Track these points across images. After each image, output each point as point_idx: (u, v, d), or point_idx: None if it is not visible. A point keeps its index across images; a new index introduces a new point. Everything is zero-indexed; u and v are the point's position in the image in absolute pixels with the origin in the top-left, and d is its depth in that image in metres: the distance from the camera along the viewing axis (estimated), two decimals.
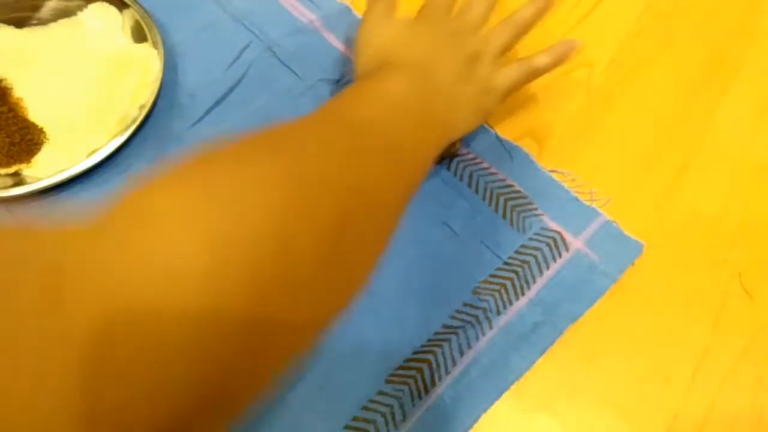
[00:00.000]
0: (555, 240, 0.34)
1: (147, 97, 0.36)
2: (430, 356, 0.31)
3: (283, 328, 0.18)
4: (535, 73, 0.35)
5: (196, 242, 0.16)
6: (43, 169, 0.35)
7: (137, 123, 0.35)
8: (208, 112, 0.38)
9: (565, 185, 0.36)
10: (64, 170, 0.34)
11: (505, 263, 0.33)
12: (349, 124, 0.26)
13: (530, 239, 0.34)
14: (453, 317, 0.32)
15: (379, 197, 0.24)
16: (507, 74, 0.35)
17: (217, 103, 0.38)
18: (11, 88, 0.37)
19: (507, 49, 0.35)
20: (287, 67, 0.40)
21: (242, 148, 0.20)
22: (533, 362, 0.31)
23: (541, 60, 0.35)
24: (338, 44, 0.41)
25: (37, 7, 0.40)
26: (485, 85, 0.34)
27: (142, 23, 0.39)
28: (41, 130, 0.36)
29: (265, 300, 0.17)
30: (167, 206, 0.17)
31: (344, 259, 0.21)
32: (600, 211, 0.35)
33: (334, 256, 0.20)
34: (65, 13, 0.40)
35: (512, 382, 0.30)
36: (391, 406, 0.30)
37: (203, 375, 0.16)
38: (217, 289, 0.16)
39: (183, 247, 0.16)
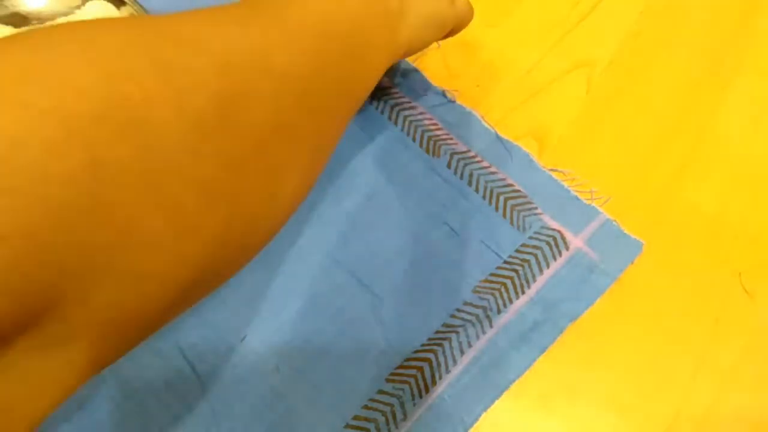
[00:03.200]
0: (555, 239, 0.34)
1: None
2: (430, 355, 0.31)
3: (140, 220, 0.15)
4: None
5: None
6: None
7: None
8: None
9: (565, 184, 0.36)
10: None
11: (505, 262, 0.33)
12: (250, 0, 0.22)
13: (530, 238, 0.34)
14: (453, 316, 0.32)
15: (297, 71, 0.21)
16: None
17: None
18: None
19: None
20: None
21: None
22: (533, 361, 0.31)
23: None
24: None
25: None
26: None
27: None
28: None
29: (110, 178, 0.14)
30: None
31: (247, 145, 0.18)
32: (600, 209, 0.35)
33: (234, 143, 0.18)
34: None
35: (512, 381, 0.30)
36: (391, 405, 0.30)
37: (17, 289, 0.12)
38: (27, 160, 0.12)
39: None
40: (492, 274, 0.33)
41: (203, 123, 0.17)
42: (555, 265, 0.33)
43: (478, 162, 0.36)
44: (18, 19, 0.39)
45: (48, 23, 0.39)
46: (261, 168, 0.19)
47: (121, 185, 0.14)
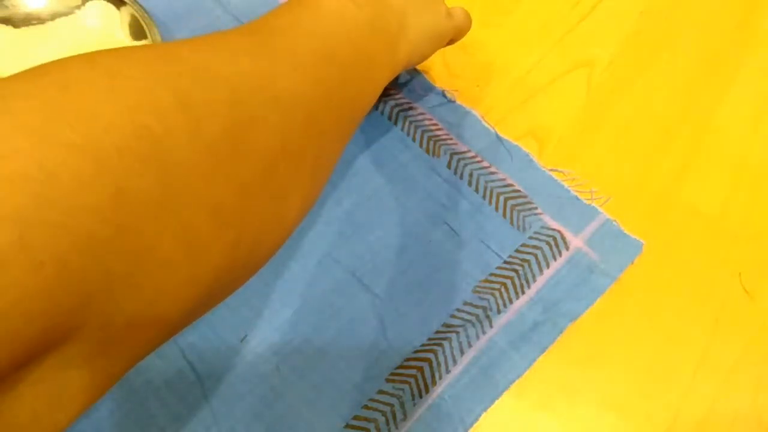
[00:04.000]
0: (555, 239, 0.34)
1: None
2: (430, 355, 0.31)
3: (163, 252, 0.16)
4: None
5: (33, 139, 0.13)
6: None
7: None
8: None
9: (565, 184, 0.36)
10: None
11: (506, 262, 0.33)
12: (261, 28, 0.24)
13: (530, 238, 0.34)
14: (453, 316, 0.32)
15: (303, 100, 0.22)
16: (463, 8, 0.35)
17: None
18: None
19: None
20: None
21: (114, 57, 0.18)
22: (533, 361, 0.31)
23: None
24: None
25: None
26: (445, 9, 0.33)
27: (141, 21, 0.39)
28: None
29: (136, 205, 0.15)
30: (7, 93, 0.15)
31: (256, 171, 0.19)
32: (600, 209, 0.35)
33: (244, 169, 0.18)
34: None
35: (512, 381, 0.30)
36: (391, 405, 0.30)
37: (48, 308, 0.13)
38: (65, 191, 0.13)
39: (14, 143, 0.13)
40: (492, 274, 0.33)
41: (216, 150, 0.18)
42: (555, 265, 0.33)
43: (478, 162, 0.36)
44: (18, 19, 0.40)
45: (48, 23, 0.39)
46: (268, 191, 0.20)
47: (142, 214, 0.15)
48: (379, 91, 0.29)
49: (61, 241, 0.13)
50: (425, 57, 0.34)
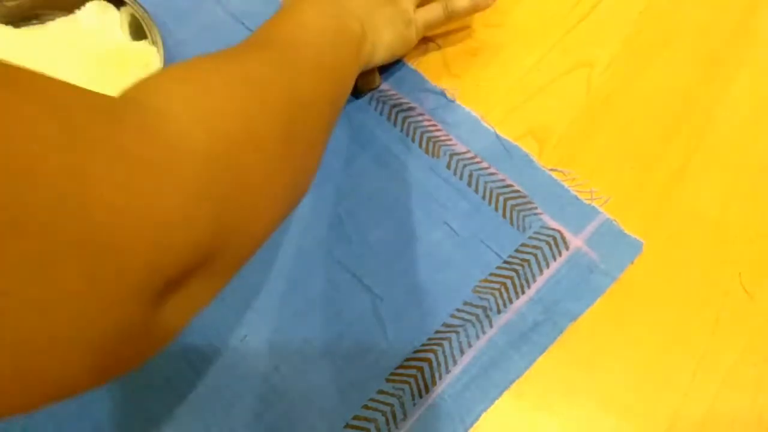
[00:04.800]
0: (555, 239, 0.34)
1: None
2: (430, 355, 0.31)
3: (258, 202, 0.23)
4: (453, 15, 0.39)
5: (199, 128, 0.20)
6: None
7: None
8: None
9: (565, 184, 0.36)
10: None
11: (505, 262, 0.33)
12: (275, 43, 0.29)
13: (530, 238, 0.34)
14: (453, 316, 0.32)
15: (312, 106, 0.28)
16: (427, 9, 0.39)
17: None
18: None
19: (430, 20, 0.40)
20: None
21: (212, 62, 0.25)
22: (533, 361, 0.31)
23: (461, 3, 0.39)
24: None
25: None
26: (405, 17, 0.38)
27: (141, 21, 0.39)
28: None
29: (246, 176, 0.21)
30: (175, 95, 0.21)
31: (293, 154, 0.25)
32: (600, 209, 0.35)
33: (286, 150, 0.24)
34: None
35: (512, 381, 0.30)
36: (391, 405, 0.30)
37: (202, 237, 0.19)
38: (213, 164, 0.19)
39: (189, 130, 0.19)
40: (492, 274, 0.33)
41: (284, 137, 0.25)
42: (555, 265, 0.33)
43: (477, 163, 0.36)
44: (18, 19, 0.40)
45: (48, 23, 0.39)
46: (306, 153, 0.27)
47: (253, 185, 0.22)
48: (352, 81, 0.35)
49: (217, 187, 0.19)
50: (389, 55, 0.38)
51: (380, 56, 0.37)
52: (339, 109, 0.32)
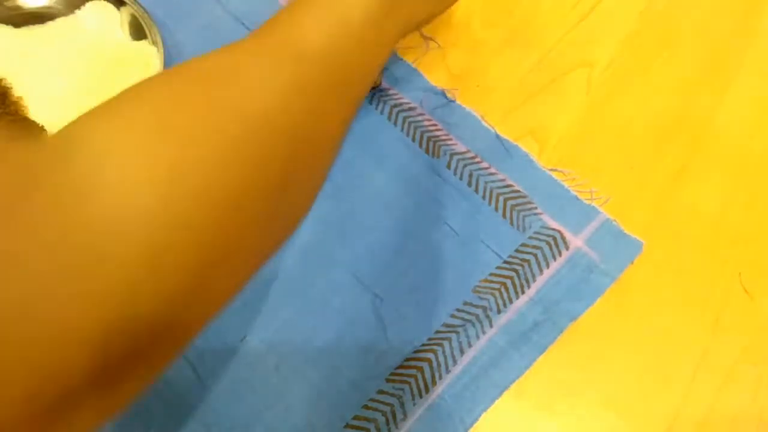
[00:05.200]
0: (555, 238, 0.34)
1: None
2: (430, 355, 0.31)
3: (232, 258, 0.18)
4: None
5: (150, 175, 0.16)
6: None
7: None
8: None
9: (565, 184, 0.36)
10: None
11: (505, 262, 0.33)
12: (294, 51, 0.23)
13: (530, 238, 0.34)
14: (453, 316, 0.32)
15: (323, 134, 0.23)
16: None
17: None
18: (11, 88, 0.37)
19: None
20: None
21: (183, 83, 0.19)
22: (533, 361, 0.31)
23: None
24: None
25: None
26: None
27: (141, 21, 0.39)
28: (42, 129, 0.36)
29: (217, 232, 0.17)
30: (118, 136, 0.16)
31: (289, 192, 0.21)
32: (600, 209, 0.35)
33: (281, 193, 0.20)
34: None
35: (512, 381, 0.30)
36: (391, 405, 0.30)
37: (156, 309, 0.16)
38: (167, 224, 0.16)
39: (137, 180, 0.15)
40: (492, 274, 0.33)
41: (270, 198, 0.20)
42: (555, 265, 0.33)
43: (477, 163, 0.36)
44: (18, 19, 0.40)
45: (48, 23, 0.39)
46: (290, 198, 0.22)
47: (219, 258, 0.18)
48: (372, 80, 0.29)
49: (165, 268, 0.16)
50: (430, 17, 0.32)
51: (419, 17, 0.30)
52: (358, 105, 0.26)
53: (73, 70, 0.38)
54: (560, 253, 0.34)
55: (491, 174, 0.36)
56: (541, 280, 0.33)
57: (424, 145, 0.37)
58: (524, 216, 0.35)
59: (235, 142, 0.18)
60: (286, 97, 0.21)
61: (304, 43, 0.23)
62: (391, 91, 0.39)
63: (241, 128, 0.18)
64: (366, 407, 0.30)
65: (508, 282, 0.33)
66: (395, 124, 0.38)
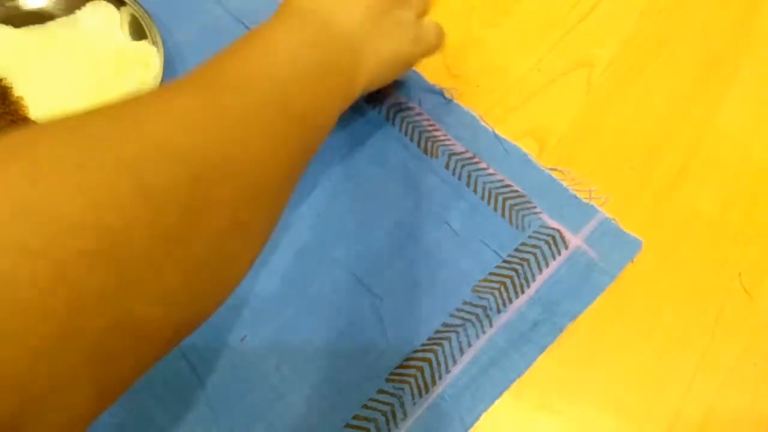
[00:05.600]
0: (554, 238, 0.34)
1: None
2: (430, 355, 0.31)
3: (112, 337, 0.16)
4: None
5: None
6: None
7: None
8: None
9: (564, 183, 0.36)
10: None
11: (505, 261, 0.33)
12: (212, 81, 0.22)
13: (530, 237, 0.34)
14: (453, 315, 0.32)
15: (257, 167, 0.21)
16: (436, 26, 0.34)
17: None
18: (11, 88, 0.37)
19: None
20: None
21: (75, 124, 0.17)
22: (533, 360, 0.31)
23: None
24: None
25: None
26: (412, 34, 0.32)
27: (141, 21, 0.39)
28: None
29: (84, 312, 0.15)
30: None
31: (206, 250, 0.18)
32: (599, 208, 0.35)
33: (194, 251, 0.18)
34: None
35: (513, 381, 0.30)
36: (391, 405, 0.30)
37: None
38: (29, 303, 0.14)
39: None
40: (491, 273, 0.33)
41: (169, 236, 0.17)
42: (554, 264, 0.33)
43: (475, 163, 0.36)
44: (18, 19, 0.40)
45: (48, 23, 0.39)
46: (217, 265, 0.20)
47: (94, 312, 0.15)
48: (333, 124, 0.28)
49: (10, 345, 0.13)
50: (387, 81, 0.34)
51: (377, 85, 0.32)
52: (307, 159, 0.25)
53: (73, 70, 0.38)
54: (560, 252, 0.34)
55: (490, 174, 0.36)
56: (540, 279, 0.33)
57: (422, 145, 0.37)
58: (523, 215, 0.35)
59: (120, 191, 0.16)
60: (193, 124, 0.19)
61: (225, 73, 0.23)
62: (390, 91, 0.39)
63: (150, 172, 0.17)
64: (366, 407, 0.30)
65: (508, 281, 0.33)
66: (393, 123, 0.38)
